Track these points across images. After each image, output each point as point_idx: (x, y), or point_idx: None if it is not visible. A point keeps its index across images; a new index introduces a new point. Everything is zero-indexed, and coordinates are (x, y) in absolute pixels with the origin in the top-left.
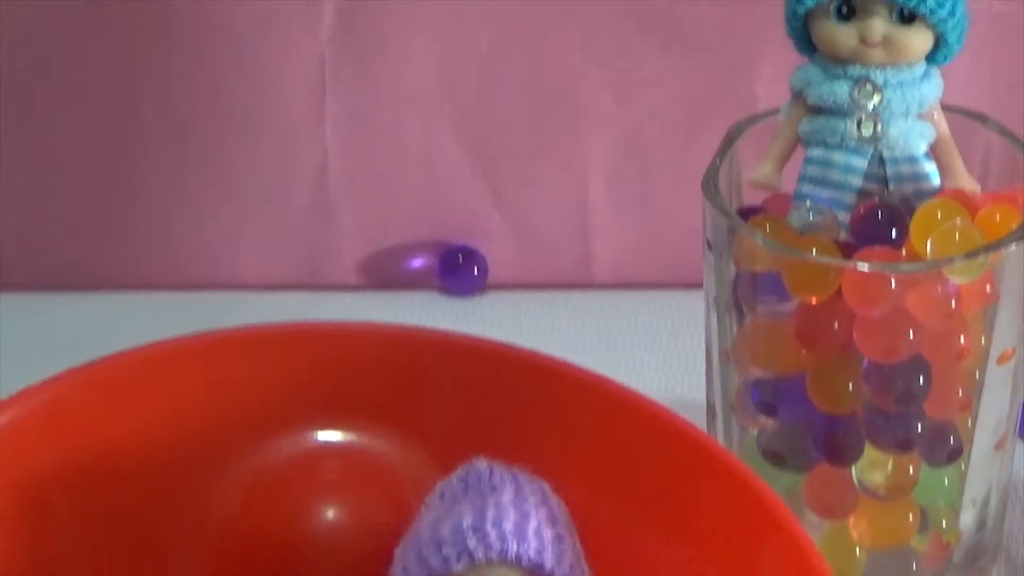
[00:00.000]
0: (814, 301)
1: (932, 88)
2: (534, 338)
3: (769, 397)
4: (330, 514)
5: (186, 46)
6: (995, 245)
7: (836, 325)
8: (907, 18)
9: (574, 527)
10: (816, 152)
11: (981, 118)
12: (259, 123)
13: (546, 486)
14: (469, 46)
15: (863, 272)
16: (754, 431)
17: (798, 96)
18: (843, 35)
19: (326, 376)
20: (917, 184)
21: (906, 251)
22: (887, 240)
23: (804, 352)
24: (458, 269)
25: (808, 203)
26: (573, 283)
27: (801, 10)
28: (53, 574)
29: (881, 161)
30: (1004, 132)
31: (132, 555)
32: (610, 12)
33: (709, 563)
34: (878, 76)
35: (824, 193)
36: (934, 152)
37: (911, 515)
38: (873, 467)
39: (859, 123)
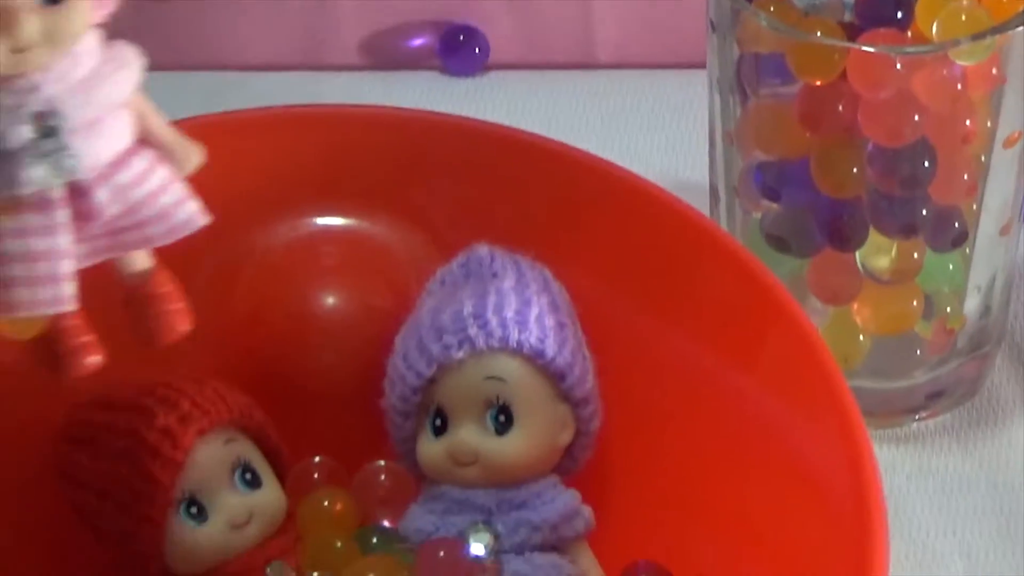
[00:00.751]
0: (818, 83)
1: None
2: (535, 119)
3: (773, 180)
4: (330, 300)
5: None
6: (1002, 27)
7: (840, 108)
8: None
9: (575, 314)
10: None
11: None
12: None
13: (548, 272)
14: None
15: (868, 54)
16: (757, 215)
17: None
18: None
19: (325, 160)
20: None
21: (912, 33)
22: (892, 21)
23: (808, 135)
24: (459, 48)
25: None
26: (575, 63)
27: None
28: None
29: None
30: None
31: (129, 342)
32: None
33: (711, 349)
34: None
35: None
36: None
37: (915, 301)
38: (877, 252)
39: None
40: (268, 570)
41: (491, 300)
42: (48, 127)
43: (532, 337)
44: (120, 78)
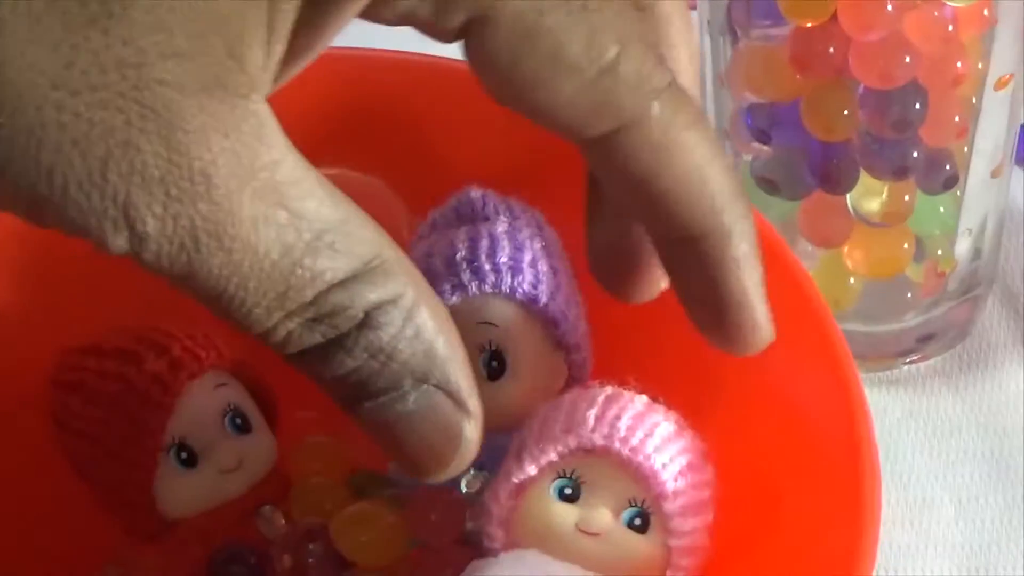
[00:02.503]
0: (809, 25)
1: None
2: None
3: (763, 123)
4: None
5: None
6: None
7: (831, 50)
8: None
9: (568, 259)
10: None
11: None
12: None
13: (540, 215)
14: None
15: None
16: (748, 158)
17: None
18: None
19: (314, 102)
20: None
21: None
22: None
23: (798, 77)
24: None
25: None
26: None
27: None
28: (43, 307)
29: None
30: None
31: (122, 285)
32: None
33: None
34: None
35: None
36: None
37: (906, 244)
38: (868, 195)
39: None
40: (258, 515)
41: (484, 244)
42: None
43: (525, 282)
44: None
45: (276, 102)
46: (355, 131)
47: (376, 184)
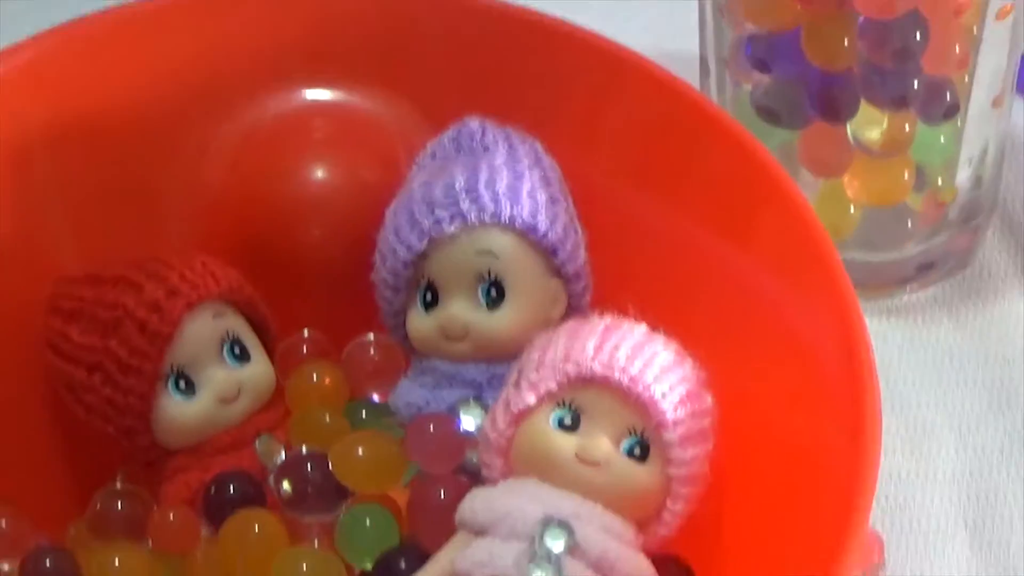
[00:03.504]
0: None
1: None
2: None
3: (763, 52)
4: (319, 173)
5: None
6: None
7: None
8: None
9: (567, 189)
10: None
11: None
12: None
13: (539, 146)
14: None
15: None
16: (748, 87)
17: None
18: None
19: (314, 33)
20: None
21: None
22: None
23: (798, 6)
24: None
25: None
26: None
27: None
28: (35, 234)
29: None
30: None
31: (118, 214)
32: None
33: (702, 222)
34: None
35: None
36: None
37: (906, 173)
38: (869, 124)
39: None
40: (257, 444)
41: (483, 174)
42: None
43: (524, 211)
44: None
45: (281, 29)
46: (355, 58)
47: (376, 112)
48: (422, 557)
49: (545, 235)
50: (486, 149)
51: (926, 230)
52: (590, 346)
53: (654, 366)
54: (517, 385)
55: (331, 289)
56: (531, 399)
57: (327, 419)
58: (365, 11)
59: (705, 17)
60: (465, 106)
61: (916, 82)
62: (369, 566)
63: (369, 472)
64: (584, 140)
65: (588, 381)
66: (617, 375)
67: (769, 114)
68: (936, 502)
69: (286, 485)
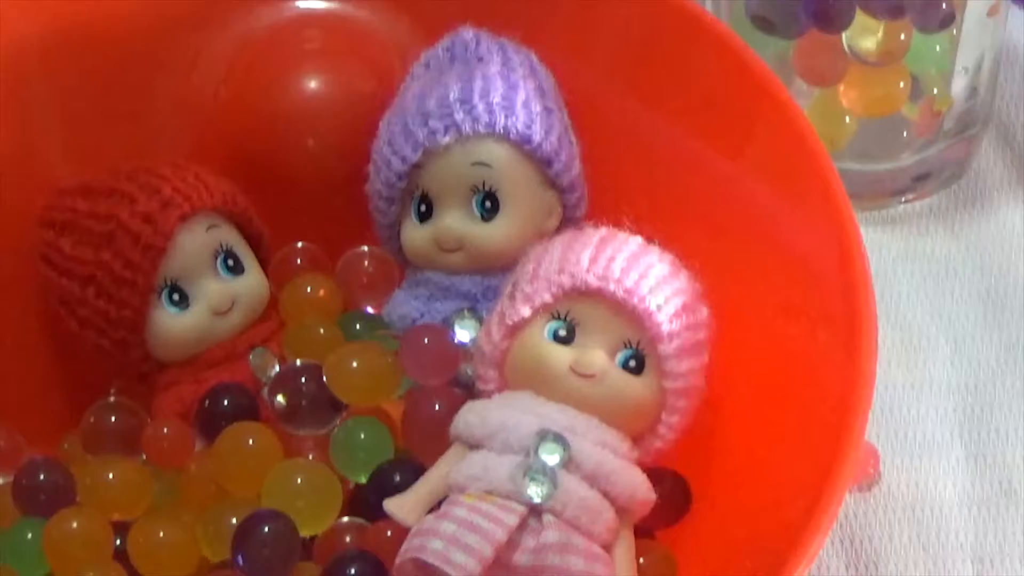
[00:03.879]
0: None
1: None
2: None
3: None
4: (313, 84)
5: None
6: None
7: None
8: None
9: (562, 99)
10: None
11: None
12: None
13: (534, 56)
14: None
15: None
16: None
17: None
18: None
19: None
20: None
21: None
22: None
23: None
24: None
25: None
26: None
27: None
28: (30, 146)
29: None
30: None
31: (110, 126)
32: None
33: (697, 134)
34: None
35: None
36: None
37: (902, 82)
38: (864, 33)
39: None
40: (251, 356)
41: (477, 85)
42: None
43: (519, 122)
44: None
45: None
46: None
47: (370, 21)
48: (416, 470)
49: (540, 146)
50: (480, 59)
51: (921, 140)
52: (585, 258)
53: (649, 278)
54: (512, 297)
55: (325, 201)
56: (526, 311)
57: (321, 331)
58: None
59: None
60: (459, 16)
61: None
62: (364, 480)
63: (363, 385)
64: (578, 51)
65: (583, 293)
66: (612, 287)
67: (764, 23)
68: (931, 414)
69: (280, 398)
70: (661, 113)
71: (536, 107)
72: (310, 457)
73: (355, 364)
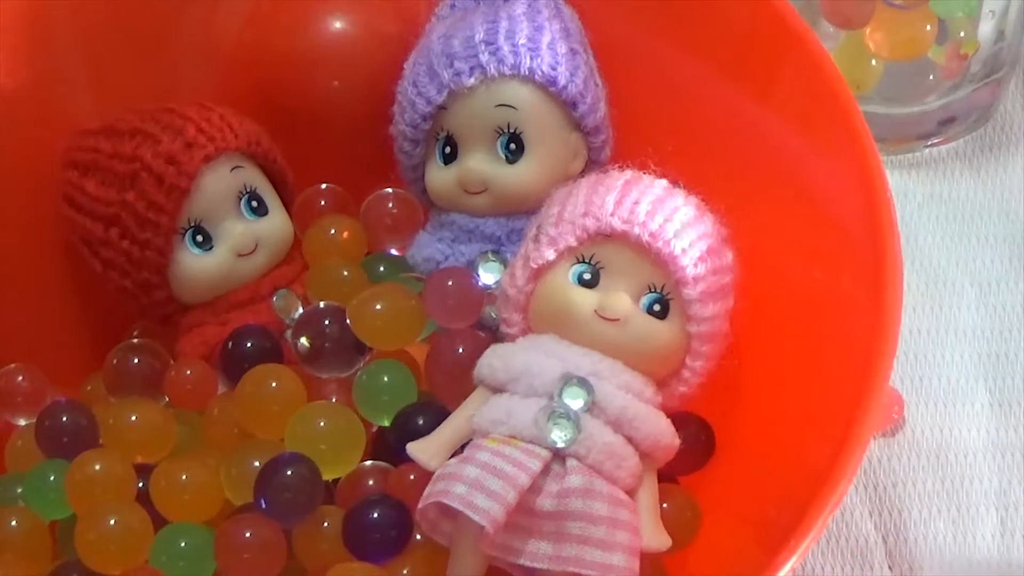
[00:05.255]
0: None
1: None
2: None
3: None
4: (338, 24)
5: None
6: None
7: None
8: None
9: (587, 41)
10: None
11: None
12: None
13: None
14: None
15: None
16: None
17: None
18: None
19: None
20: None
21: None
22: None
23: None
24: None
25: None
26: None
27: None
28: (54, 87)
29: None
30: None
31: (135, 68)
32: None
33: (723, 77)
34: None
35: None
36: None
37: (928, 25)
38: None
39: None
40: (274, 298)
41: (503, 26)
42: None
43: (544, 64)
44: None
45: None
46: None
47: None
48: (440, 414)
49: (565, 87)
50: (506, 0)
51: (948, 84)
52: (610, 201)
53: (675, 221)
54: (536, 240)
55: (349, 143)
56: (550, 254)
57: (345, 273)
58: None
59: None
60: None
61: None
62: (387, 422)
63: (387, 327)
64: None
65: (608, 236)
66: (637, 230)
67: None
68: (956, 360)
69: (304, 340)
70: (687, 55)
71: (562, 48)
72: (333, 400)
73: (379, 306)
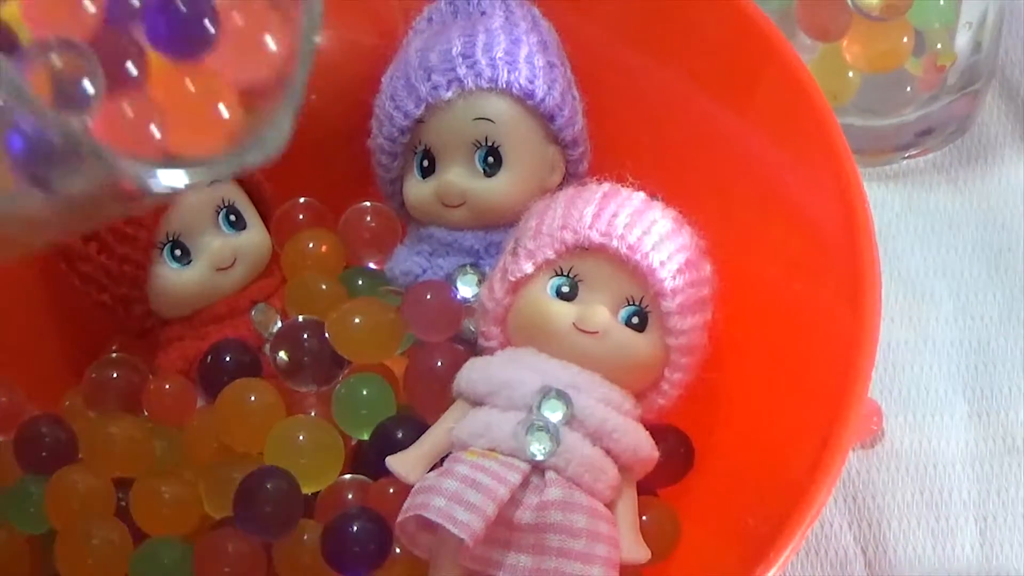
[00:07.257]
0: None
1: None
2: None
3: None
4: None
5: None
6: None
7: None
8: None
9: (565, 54)
10: None
11: None
12: None
13: (536, 10)
14: None
15: None
16: None
17: None
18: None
19: None
20: None
21: None
22: None
23: None
24: None
25: None
26: None
27: None
28: None
29: None
30: None
31: None
32: None
33: (701, 89)
34: None
35: None
36: None
37: (905, 37)
38: None
39: None
40: (253, 312)
41: (480, 39)
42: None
43: (522, 77)
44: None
45: None
46: None
47: None
48: (419, 427)
49: (543, 100)
50: (483, 13)
51: (925, 95)
52: (588, 213)
53: (653, 234)
54: (514, 253)
55: (327, 156)
56: (528, 267)
57: (323, 287)
58: None
59: None
60: None
61: None
62: (366, 436)
63: (366, 341)
64: (582, 4)
65: (586, 249)
66: (615, 243)
67: None
68: (935, 371)
69: (282, 354)
70: (665, 68)
71: (539, 62)
72: (312, 414)
73: (357, 320)
